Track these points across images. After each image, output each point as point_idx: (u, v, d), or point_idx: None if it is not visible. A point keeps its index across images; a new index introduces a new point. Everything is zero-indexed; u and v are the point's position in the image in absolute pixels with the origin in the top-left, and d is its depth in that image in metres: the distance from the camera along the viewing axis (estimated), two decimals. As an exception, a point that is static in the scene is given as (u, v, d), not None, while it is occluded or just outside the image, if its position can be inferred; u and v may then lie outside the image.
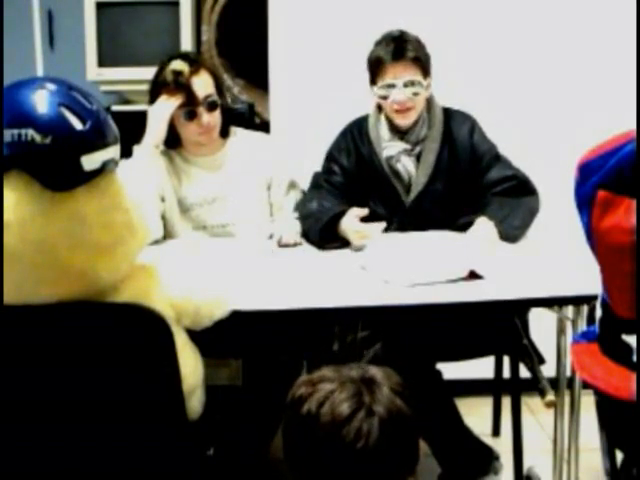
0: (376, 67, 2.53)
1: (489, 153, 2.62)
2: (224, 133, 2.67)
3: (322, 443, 1.24)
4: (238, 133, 2.72)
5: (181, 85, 2.51)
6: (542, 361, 2.34)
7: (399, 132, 2.61)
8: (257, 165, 2.67)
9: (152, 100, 2.57)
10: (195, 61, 2.58)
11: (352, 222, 2.44)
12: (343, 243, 2.48)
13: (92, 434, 1.70)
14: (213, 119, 2.56)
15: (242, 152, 2.68)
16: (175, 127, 2.59)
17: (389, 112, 2.58)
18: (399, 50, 2.49)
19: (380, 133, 2.64)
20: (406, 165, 2.62)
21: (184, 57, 2.57)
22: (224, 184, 2.64)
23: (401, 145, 2.61)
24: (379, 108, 2.65)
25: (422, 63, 2.52)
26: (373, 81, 2.56)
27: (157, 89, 2.55)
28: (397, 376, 1.32)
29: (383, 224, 2.45)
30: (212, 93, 2.55)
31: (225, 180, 2.64)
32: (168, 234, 2.62)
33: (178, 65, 2.52)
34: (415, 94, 2.52)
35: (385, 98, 2.54)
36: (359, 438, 1.23)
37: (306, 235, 2.54)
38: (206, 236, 2.64)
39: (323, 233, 2.46)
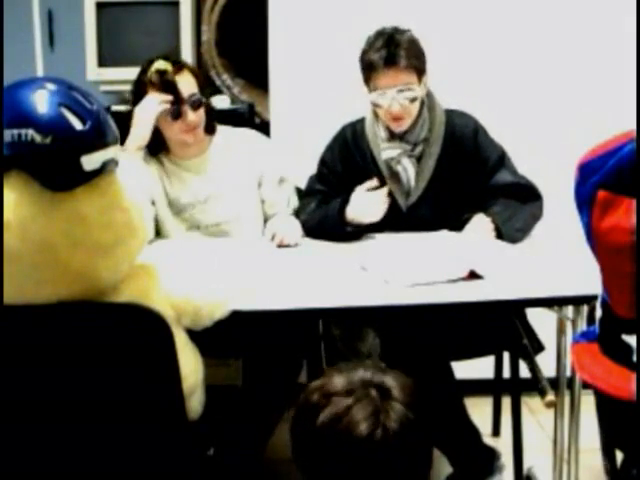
0: (368, 72, 2.48)
1: (494, 156, 2.59)
2: (209, 130, 2.67)
3: (337, 457, 1.25)
4: (224, 131, 2.72)
5: (167, 84, 2.52)
6: (542, 348, 2.34)
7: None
8: (246, 161, 2.67)
9: (135, 101, 2.57)
10: (177, 62, 2.61)
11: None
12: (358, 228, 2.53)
13: (92, 434, 1.70)
14: (198, 118, 2.58)
15: (229, 150, 2.68)
16: (159, 132, 2.59)
17: (384, 119, 2.55)
18: (391, 56, 2.42)
19: (378, 134, 2.61)
20: (406, 167, 2.58)
21: (166, 58, 2.58)
22: (215, 184, 2.64)
23: (401, 146, 2.58)
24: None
25: (415, 67, 2.46)
26: (366, 82, 2.52)
27: (141, 88, 2.55)
28: (410, 383, 1.32)
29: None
30: (196, 92, 2.57)
31: (215, 179, 2.65)
32: (162, 236, 2.62)
33: (162, 65, 2.54)
34: (409, 99, 2.47)
35: (379, 105, 2.50)
36: (374, 454, 1.24)
37: (327, 236, 2.54)
38: (201, 236, 2.64)
39: (344, 228, 2.50)
